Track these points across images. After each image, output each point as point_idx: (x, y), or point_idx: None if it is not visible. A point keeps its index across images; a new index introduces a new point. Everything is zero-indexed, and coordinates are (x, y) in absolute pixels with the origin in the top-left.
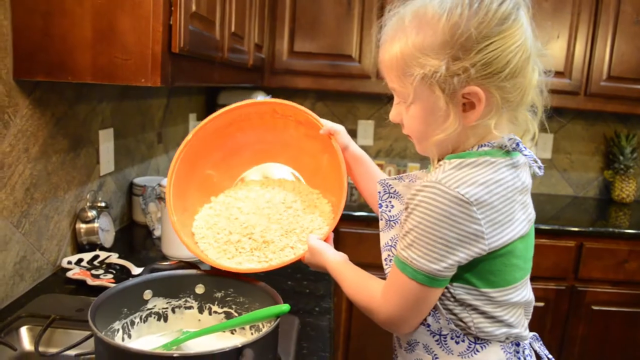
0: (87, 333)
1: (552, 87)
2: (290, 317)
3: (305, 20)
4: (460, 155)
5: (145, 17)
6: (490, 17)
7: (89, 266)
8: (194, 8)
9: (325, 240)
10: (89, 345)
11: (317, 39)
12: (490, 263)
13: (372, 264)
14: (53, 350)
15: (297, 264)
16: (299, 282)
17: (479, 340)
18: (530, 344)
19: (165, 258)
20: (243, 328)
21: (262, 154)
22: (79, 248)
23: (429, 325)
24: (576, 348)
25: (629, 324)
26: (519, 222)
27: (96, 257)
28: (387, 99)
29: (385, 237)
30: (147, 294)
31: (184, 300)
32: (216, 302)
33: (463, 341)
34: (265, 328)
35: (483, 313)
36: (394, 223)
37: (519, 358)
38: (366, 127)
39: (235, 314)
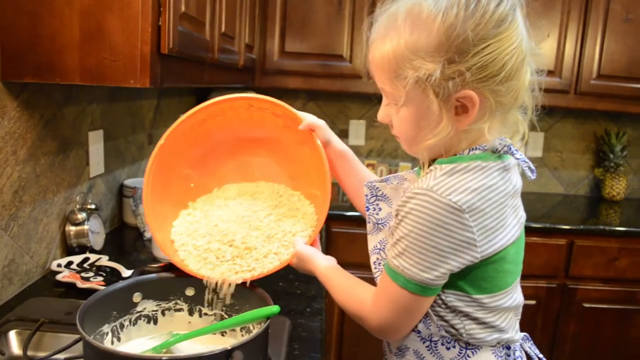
0: (76, 337)
1: (542, 85)
2: (281, 318)
3: (296, 20)
4: (451, 160)
5: (134, 18)
6: (487, 19)
7: (78, 269)
8: (183, 9)
9: (312, 244)
10: (78, 349)
11: (308, 39)
12: (482, 270)
13: (364, 264)
14: (42, 354)
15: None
16: (291, 283)
17: (470, 345)
18: (520, 344)
19: (156, 260)
20: (234, 330)
21: (240, 148)
22: (69, 251)
23: (419, 332)
24: (567, 346)
25: (620, 322)
26: (510, 228)
27: (86, 259)
28: (377, 100)
29: (373, 240)
30: (137, 297)
31: (174, 302)
32: (206, 304)
33: (454, 347)
34: (256, 330)
35: (475, 319)
36: (382, 226)
37: None
38: (358, 127)
39: (226, 316)
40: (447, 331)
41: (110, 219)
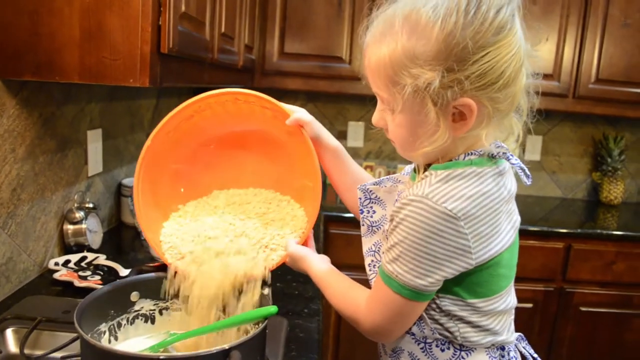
0: (74, 335)
1: (540, 89)
2: (278, 318)
3: (295, 21)
4: (447, 166)
5: (134, 17)
6: (487, 27)
7: (76, 267)
8: (183, 8)
9: (304, 243)
10: (75, 347)
11: (307, 40)
12: (477, 275)
13: (362, 266)
14: (39, 352)
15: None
16: (288, 283)
17: (464, 347)
18: (515, 345)
19: (153, 259)
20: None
21: (229, 141)
22: (67, 249)
23: (413, 334)
24: (564, 349)
25: (617, 325)
26: (505, 233)
27: (84, 258)
28: (372, 103)
29: (368, 243)
30: (135, 296)
31: (171, 301)
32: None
33: (448, 349)
34: (253, 330)
35: (469, 323)
36: (376, 229)
37: None
38: (356, 129)
39: (223, 316)
40: (441, 334)
41: (108, 218)
